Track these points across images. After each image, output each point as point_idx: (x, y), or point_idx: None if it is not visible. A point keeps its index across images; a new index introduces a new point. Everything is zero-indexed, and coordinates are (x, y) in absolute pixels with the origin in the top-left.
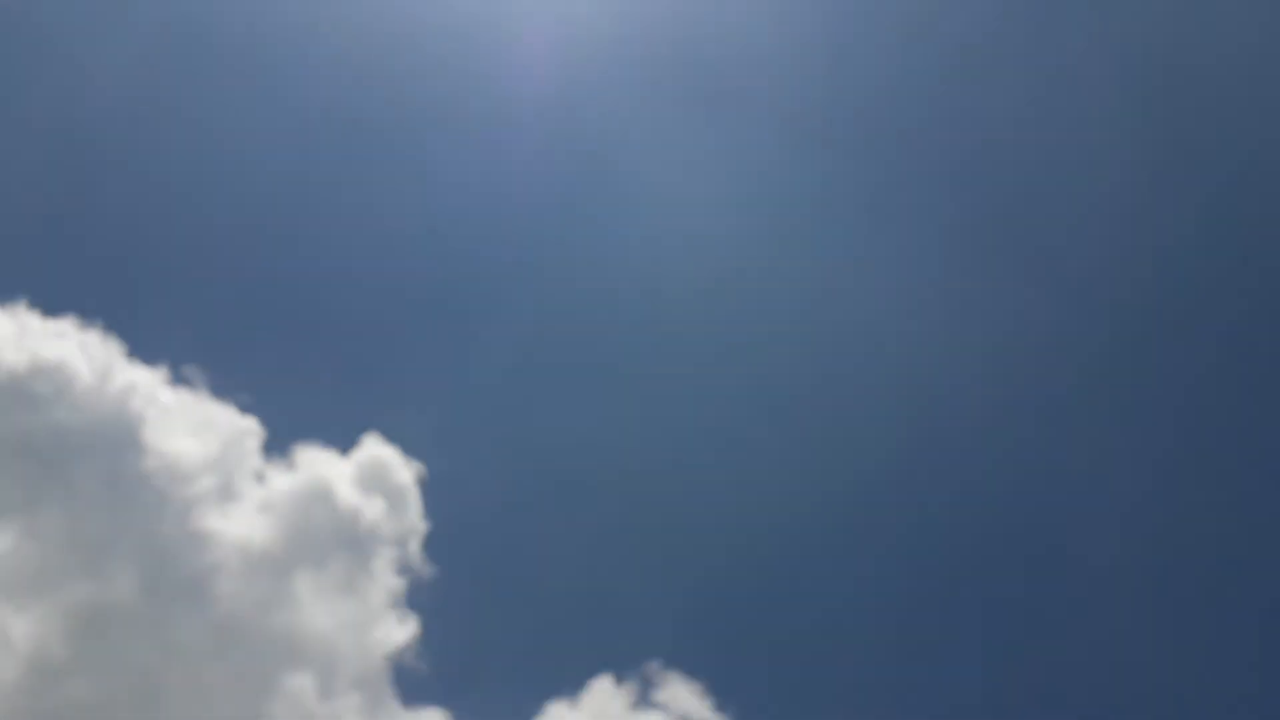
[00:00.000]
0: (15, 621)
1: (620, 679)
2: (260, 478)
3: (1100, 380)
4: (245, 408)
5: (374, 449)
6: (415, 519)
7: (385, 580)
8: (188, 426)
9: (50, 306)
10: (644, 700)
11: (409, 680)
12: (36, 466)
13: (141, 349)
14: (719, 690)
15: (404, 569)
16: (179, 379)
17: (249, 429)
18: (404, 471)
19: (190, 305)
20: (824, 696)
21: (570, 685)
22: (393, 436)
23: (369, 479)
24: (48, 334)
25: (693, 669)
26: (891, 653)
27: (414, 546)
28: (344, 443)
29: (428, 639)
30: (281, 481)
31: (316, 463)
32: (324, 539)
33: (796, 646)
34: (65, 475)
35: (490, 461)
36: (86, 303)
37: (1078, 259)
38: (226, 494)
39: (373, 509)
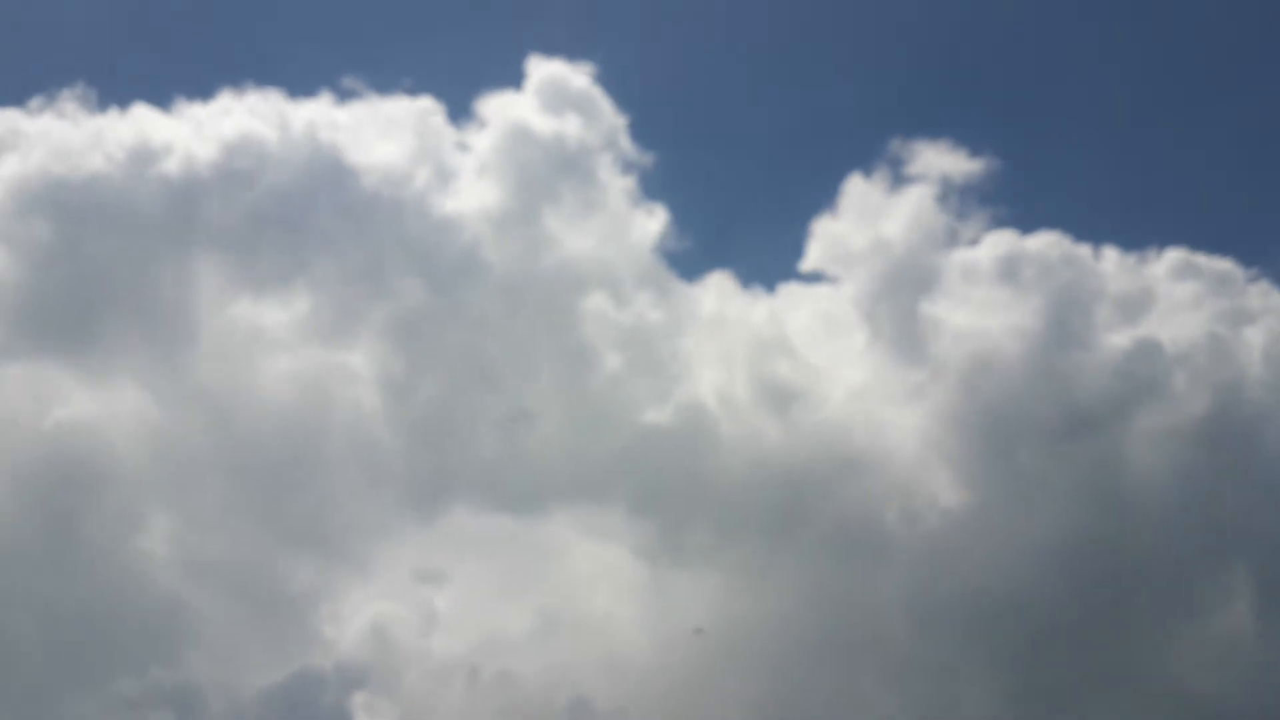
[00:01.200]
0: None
1: (868, 173)
2: (463, 147)
3: None
4: (413, 91)
5: (541, 70)
6: (612, 117)
7: (616, 184)
8: (377, 132)
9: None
10: (899, 181)
11: (680, 258)
12: (280, 234)
13: (297, 88)
14: (969, 140)
15: (627, 166)
16: (343, 94)
17: (429, 108)
18: (579, 77)
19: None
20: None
21: (825, 198)
22: (552, 49)
23: (552, 101)
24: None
25: (934, 132)
26: None
27: (624, 142)
28: (514, 79)
29: (679, 217)
30: (480, 140)
31: (500, 108)
32: (545, 174)
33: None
34: (303, 225)
35: (656, 45)
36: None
37: None
38: (443, 175)
39: (571, 126)
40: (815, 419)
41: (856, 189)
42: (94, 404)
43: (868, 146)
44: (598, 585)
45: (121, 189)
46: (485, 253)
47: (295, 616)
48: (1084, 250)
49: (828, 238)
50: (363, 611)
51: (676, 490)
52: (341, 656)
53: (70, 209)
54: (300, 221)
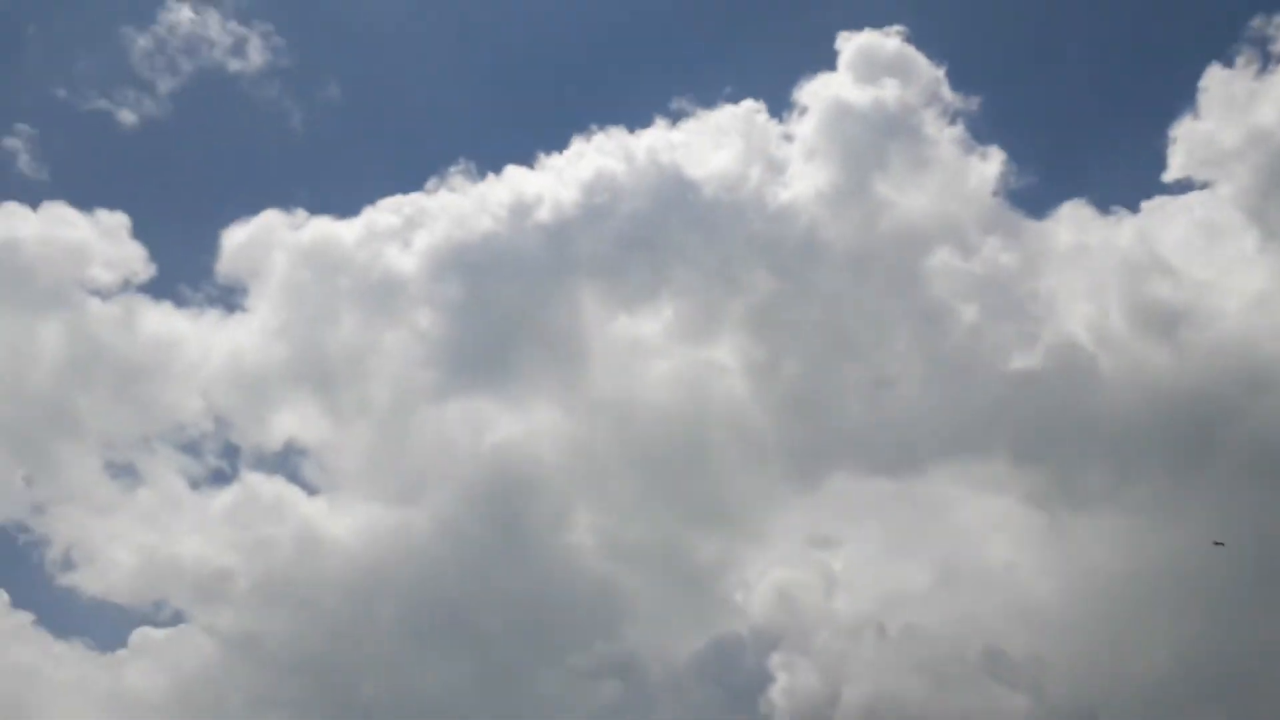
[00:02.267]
0: None
1: (1228, 61)
2: (788, 138)
3: None
4: (734, 98)
5: (851, 44)
6: (928, 70)
7: (944, 136)
8: (709, 143)
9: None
10: (1268, 63)
11: (1025, 196)
12: (641, 253)
13: (634, 120)
14: None
15: (952, 115)
16: (675, 116)
17: (752, 109)
18: (890, 40)
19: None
20: None
21: (1181, 99)
22: (858, 22)
23: (866, 71)
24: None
25: None
26: None
27: (945, 92)
28: (826, 60)
29: (1017, 155)
30: (802, 126)
31: (817, 92)
32: (870, 143)
33: None
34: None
35: None
36: None
37: None
38: (774, 168)
39: (888, 90)
40: (1208, 338)
41: (1217, 81)
42: (517, 425)
43: (1223, 31)
44: (992, 537)
45: (509, 241)
46: (824, 232)
47: (708, 587)
48: None
49: (1192, 141)
50: (766, 578)
51: (1061, 434)
52: (754, 621)
53: (473, 266)
54: (656, 239)
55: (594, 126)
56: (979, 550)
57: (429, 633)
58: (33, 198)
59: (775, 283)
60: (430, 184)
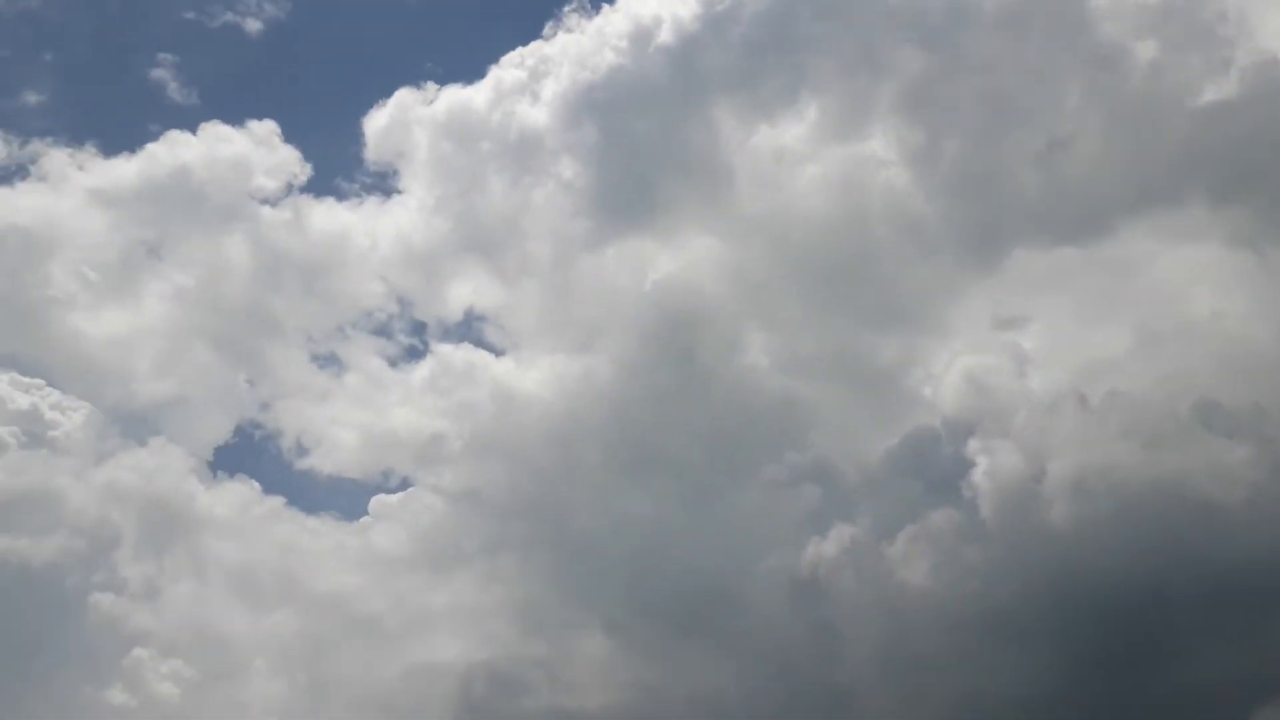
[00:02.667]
0: None
1: None
2: None
3: None
4: None
5: None
6: None
7: None
8: None
9: None
10: None
11: None
12: (775, 58)
13: None
14: None
15: None
16: None
17: None
18: None
19: None
20: None
21: None
22: None
23: None
24: None
25: None
26: None
27: None
28: None
29: None
30: None
31: None
32: None
33: None
34: None
35: None
36: None
37: None
38: None
39: None
40: None
41: None
42: (675, 259)
43: None
44: (1194, 289)
45: (635, 71)
46: None
47: (893, 386)
48: None
49: None
50: (953, 369)
51: (1264, 165)
52: (946, 412)
53: (603, 105)
54: (786, 37)
55: None
56: (1181, 305)
57: (627, 466)
58: (190, 121)
59: (924, 58)
60: (547, 29)
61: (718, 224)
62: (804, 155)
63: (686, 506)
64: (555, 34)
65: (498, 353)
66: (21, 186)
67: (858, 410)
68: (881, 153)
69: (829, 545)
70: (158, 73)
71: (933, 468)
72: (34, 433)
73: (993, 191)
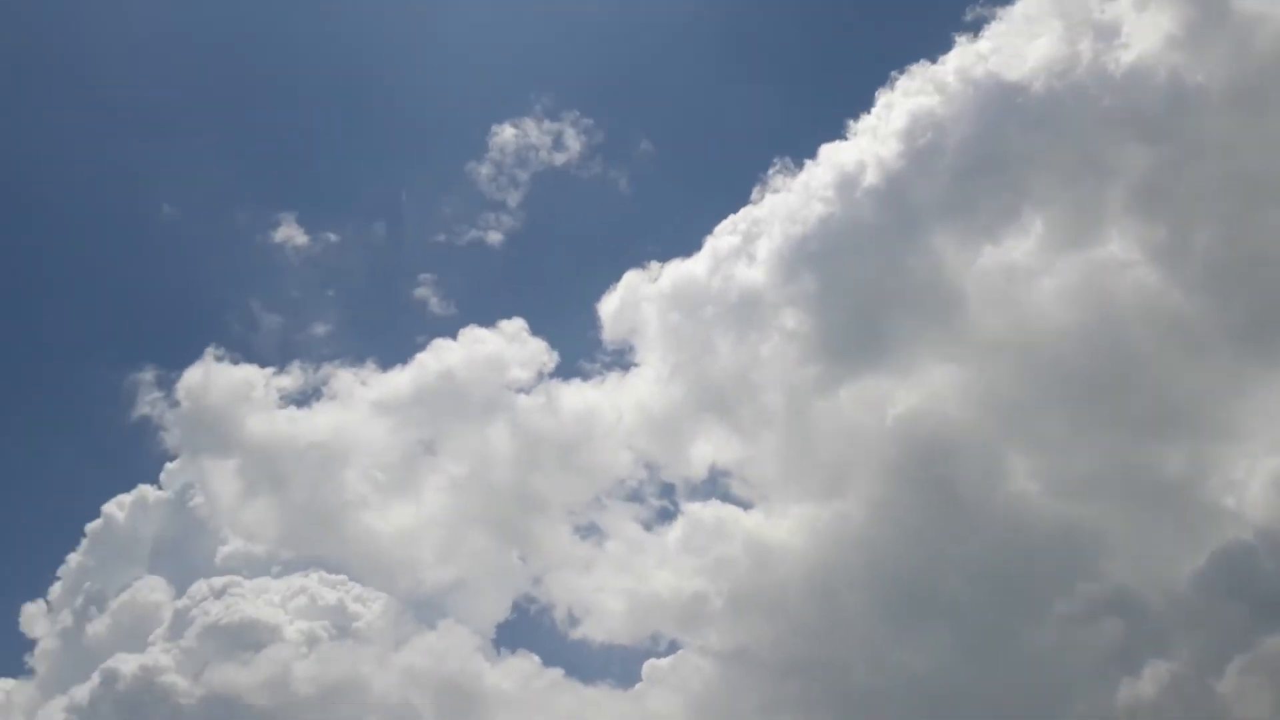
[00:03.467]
0: None
1: None
2: None
3: None
4: None
5: None
6: None
7: None
8: None
9: None
10: None
11: None
12: None
13: None
14: None
15: None
16: None
17: None
18: None
19: None
20: None
21: None
22: None
23: None
24: None
25: None
26: None
27: None
28: None
29: None
30: None
31: None
32: None
33: None
34: None
35: None
36: None
37: None
38: None
39: None
40: None
41: None
42: (914, 392)
43: None
44: None
45: (845, 217)
46: (1191, 76)
47: (1188, 499)
48: None
49: None
50: (1258, 473)
51: None
52: (1258, 522)
53: (819, 254)
54: (998, 156)
55: (894, 73)
56: None
57: (897, 613)
58: (451, 329)
59: (1150, 152)
60: (754, 194)
61: (954, 350)
62: (1036, 269)
63: (971, 653)
64: (763, 197)
65: (746, 506)
66: (317, 407)
67: (1152, 530)
68: (1122, 254)
69: (1145, 685)
70: (420, 291)
71: (1255, 587)
72: (341, 625)
73: (1259, 276)
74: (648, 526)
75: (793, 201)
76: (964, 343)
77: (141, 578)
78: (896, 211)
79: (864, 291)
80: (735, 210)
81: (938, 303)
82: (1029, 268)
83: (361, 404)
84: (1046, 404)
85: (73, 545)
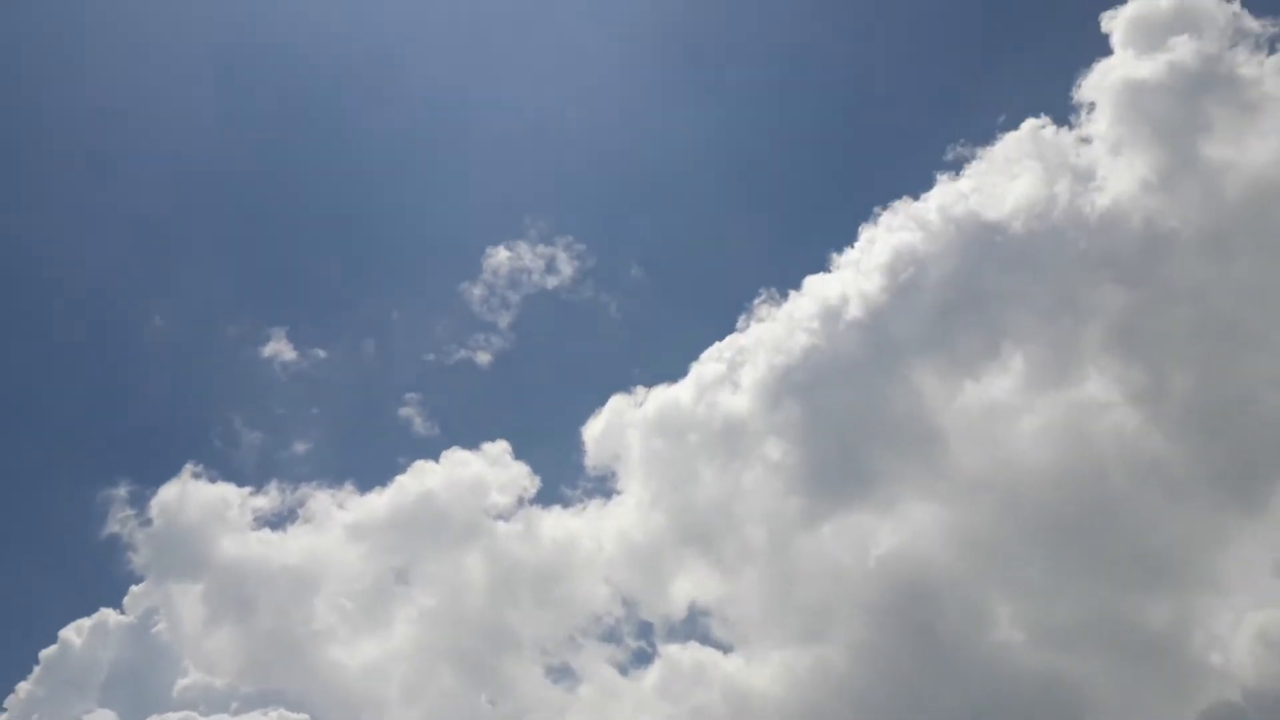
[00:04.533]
0: None
1: None
2: None
3: None
4: None
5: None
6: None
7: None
8: None
9: None
10: None
11: None
12: None
13: None
14: None
15: (1271, 43)
16: None
17: None
18: None
19: None
20: None
21: None
22: None
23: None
24: None
25: None
26: None
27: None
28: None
29: None
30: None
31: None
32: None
33: None
34: None
35: None
36: None
37: None
38: None
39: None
40: None
41: None
42: (897, 530)
43: None
44: None
45: (829, 349)
46: (1165, 221)
47: (1173, 653)
48: None
49: None
50: (1243, 628)
51: None
52: (1246, 682)
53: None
54: (978, 294)
55: (877, 209)
56: None
57: None
58: (433, 451)
59: (1128, 294)
60: (740, 322)
61: (936, 488)
62: (1016, 407)
63: None
64: (748, 325)
65: (725, 649)
66: (291, 530)
67: (1136, 685)
68: (1102, 395)
69: None
70: (405, 410)
71: None
72: None
73: (1240, 420)
74: (623, 670)
75: (777, 331)
76: (946, 480)
77: (92, 711)
78: (879, 345)
79: (847, 424)
80: (721, 338)
81: (920, 438)
82: (1010, 405)
83: (336, 527)
84: (1029, 548)
85: (25, 673)
